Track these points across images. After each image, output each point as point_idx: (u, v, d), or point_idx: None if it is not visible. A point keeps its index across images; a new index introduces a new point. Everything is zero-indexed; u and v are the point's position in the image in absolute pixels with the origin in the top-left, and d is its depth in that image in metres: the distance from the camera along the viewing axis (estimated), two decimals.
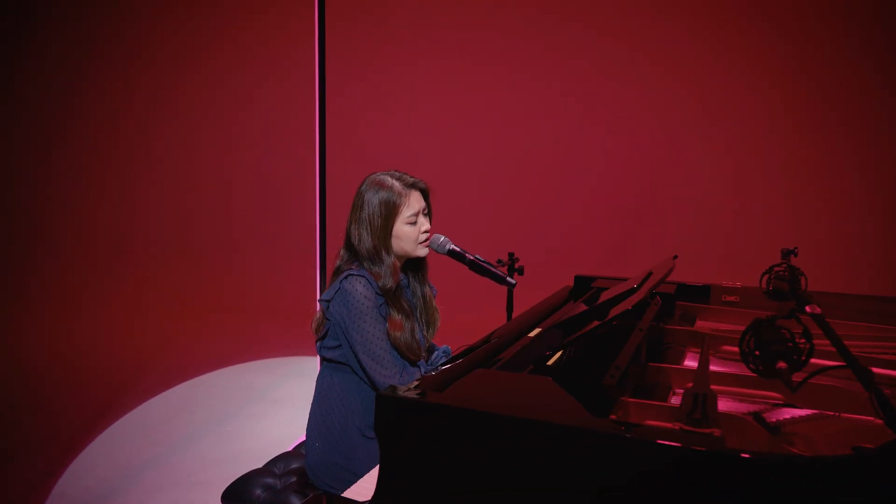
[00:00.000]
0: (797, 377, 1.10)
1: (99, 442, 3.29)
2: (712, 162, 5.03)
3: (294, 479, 1.93)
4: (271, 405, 3.82)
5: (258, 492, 1.86)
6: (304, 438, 3.24)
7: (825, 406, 1.30)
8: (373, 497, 1.05)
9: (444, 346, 2.16)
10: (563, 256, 5.13)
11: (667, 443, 0.86)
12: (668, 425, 1.11)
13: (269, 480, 1.92)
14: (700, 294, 2.19)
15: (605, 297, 1.62)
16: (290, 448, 3.13)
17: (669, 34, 5.02)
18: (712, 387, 1.37)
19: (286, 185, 6.05)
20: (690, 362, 1.62)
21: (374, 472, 1.68)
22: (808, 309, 1.10)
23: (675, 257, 1.92)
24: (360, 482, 1.37)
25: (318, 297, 3.38)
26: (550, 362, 1.32)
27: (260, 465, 2.99)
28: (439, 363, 1.94)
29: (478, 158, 5.52)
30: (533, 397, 1.09)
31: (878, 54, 4.53)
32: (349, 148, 5.48)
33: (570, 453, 0.91)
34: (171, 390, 4.06)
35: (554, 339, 1.49)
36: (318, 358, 4.72)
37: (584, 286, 2.35)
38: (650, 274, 1.68)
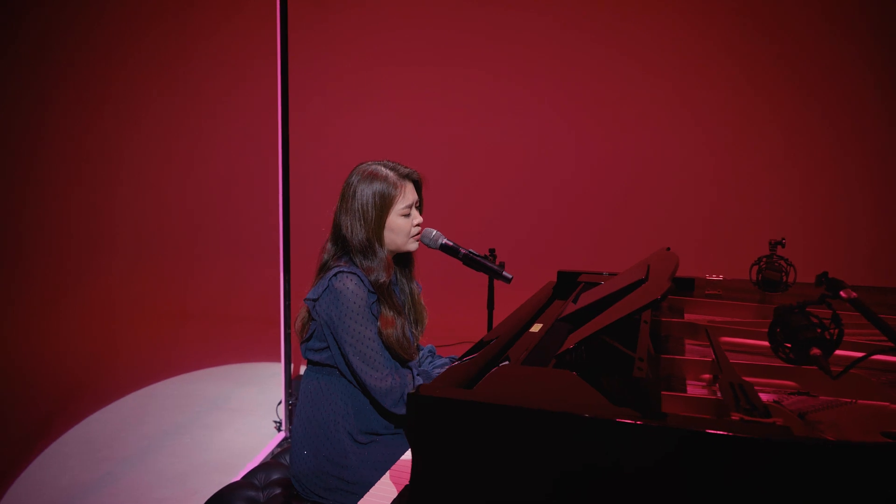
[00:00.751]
0: (834, 364, 1.09)
1: (39, 462, 3.05)
2: (689, 157, 5.18)
3: (278, 490, 1.81)
4: (231, 414, 3.64)
5: (244, 493, 1.73)
6: (273, 447, 3.11)
7: (840, 393, 1.30)
8: (407, 499, 0.96)
9: (429, 345, 2.08)
10: (541, 252, 5.14)
11: (752, 436, 0.81)
12: (703, 416, 1.07)
13: (251, 493, 1.79)
14: (684, 287, 2.20)
15: (608, 289, 1.59)
16: (258, 458, 2.99)
17: (650, 29, 5.12)
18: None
19: (248, 189, 6.02)
20: (692, 354, 1.60)
21: (377, 481, 1.59)
22: (843, 294, 1.09)
23: (668, 249, 1.91)
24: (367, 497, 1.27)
25: (282, 302, 3.23)
26: (568, 357, 1.27)
27: (226, 477, 2.84)
28: (435, 364, 1.87)
29: (451, 157, 5.52)
30: (568, 392, 1.03)
31: (860, 48, 4.75)
32: (313, 151, 5.45)
33: (634, 452, 0.86)
34: (118, 402, 3.82)
35: (563, 334, 1.44)
36: (277, 363, 4.55)
37: (567, 281, 2.32)
38: (648, 267, 1.65)
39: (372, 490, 1.20)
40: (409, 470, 1.32)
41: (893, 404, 1.25)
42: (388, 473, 1.28)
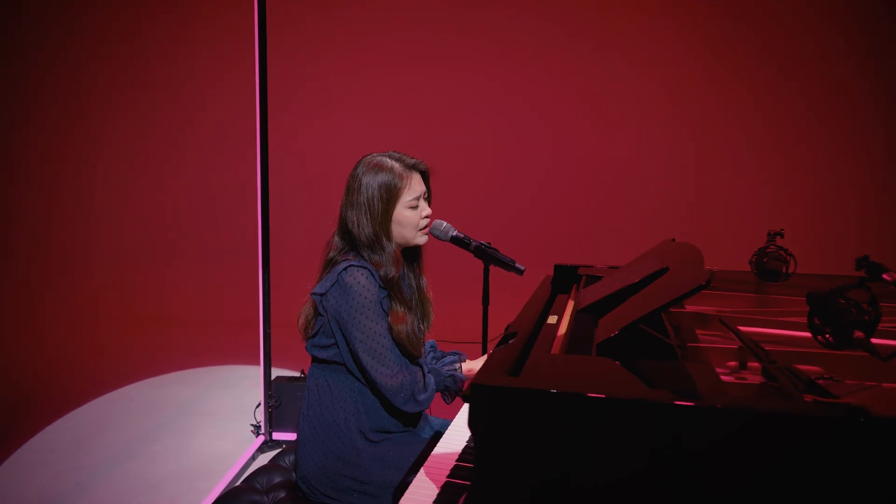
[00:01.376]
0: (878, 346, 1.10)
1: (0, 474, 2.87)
2: (676, 151, 5.30)
3: (283, 493, 1.74)
4: (203, 419, 3.51)
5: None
6: (253, 452, 3.00)
7: (863, 377, 1.33)
8: (470, 489, 0.93)
9: (430, 340, 2.04)
10: (529, 246, 5.16)
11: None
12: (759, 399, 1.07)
13: (255, 497, 1.72)
14: None
15: (624, 281, 1.58)
16: (239, 463, 2.88)
17: (639, 24, 5.22)
18: (754, 364, 1.36)
19: (225, 189, 5.91)
20: (706, 343, 1.61)
21: (392, 479, 1.54)
22: (886, 276, 1.11)
23: (673, 240, 1.92)
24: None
25: (260, 302, 3.12)
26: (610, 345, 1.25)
27: (207, 484, 2.73)
28: (445, 361, 1.83)
29: (435, 153, 5.49)
30: (622, 379, 1.02)
31: (848, 40, 4.93)
32: (291, 153, 5.41)
33: (708, 433, 0.85)
34: (78, 410, 3.63)
35: (590, 324, 1.43)
36: (248, 366, 4.42)
37: (565, 275, 2.32)
38: (665, 257, 1.66)
39: (410, 489, 1.15)
40: (443, 465, 1.28)
41: None
42: (422, 470, 1.24)
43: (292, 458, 1.97)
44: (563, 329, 1.61)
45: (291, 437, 3.12)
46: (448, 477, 1.22)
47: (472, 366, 1.89)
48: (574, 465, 0.89)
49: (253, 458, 3.01)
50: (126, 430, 3.32)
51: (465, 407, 1.66)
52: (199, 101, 5.72)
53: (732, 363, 1.43)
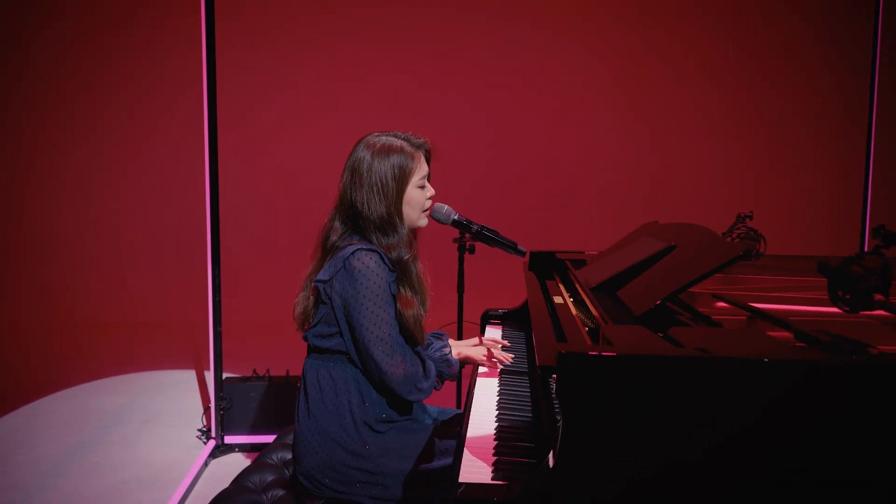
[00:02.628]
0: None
1: None
2: (631, 138, 5.50)
3: (282, 491, 1.65)
4: (140, 427, 3.27)
5: None
6: (205, 458, 2.83)
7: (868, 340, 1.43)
8: (556, 461, 0.91)
9: None
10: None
11: None
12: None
13: (254, 497, 1.62)
14: None
15: (630, 259, 1.63)
16: (193, 469, 2.71)
17: (605, 15, 5.37)
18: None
19: (158, 193, 5.77)
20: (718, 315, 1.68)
21: (402, 468, 1.51)
22: None
23: (657, 222, 1.99)
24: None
25: (210, 302, 2.95)
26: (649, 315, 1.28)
27: (159, 495, 2.55)
28: (435, 347, 1.80)
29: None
30: (699, 342, 1.04)
31: (809, 21, 5.26)
32: (241, 150, 5.27)
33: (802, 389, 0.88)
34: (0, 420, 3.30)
35: (614, 299, 1.46)
36: (182, 371, 4.17)
37: (541, 260, 2.35)
38: (665, 236, 1.72)
39: (463, 470, 1.13)
40: (483, 446, 1.26)
41: None
42: (466, 451, 1.21)
43: (281, 455, 1.88)
44: (572, 308, 1.63)
45: (244, 439, 2.98)
46: (495, 455, 1.21)
47: (461, 349, 1.86)
48: (664, 428, 0.90)
49: (205, 463, 2.84)
50: (56, 444, 3.04)
51: (483, 392, 1.64)
52: (144, 103, 5.65)
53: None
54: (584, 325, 1.45)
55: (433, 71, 5.52)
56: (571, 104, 5.55)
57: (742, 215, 2.10)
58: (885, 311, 1.16)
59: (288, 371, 3.14)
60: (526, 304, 2.38)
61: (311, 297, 1.66)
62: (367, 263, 1.55)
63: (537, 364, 1.12)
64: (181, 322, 5.34)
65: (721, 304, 1.57)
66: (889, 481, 0.91)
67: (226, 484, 2.59)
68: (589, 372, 0.90)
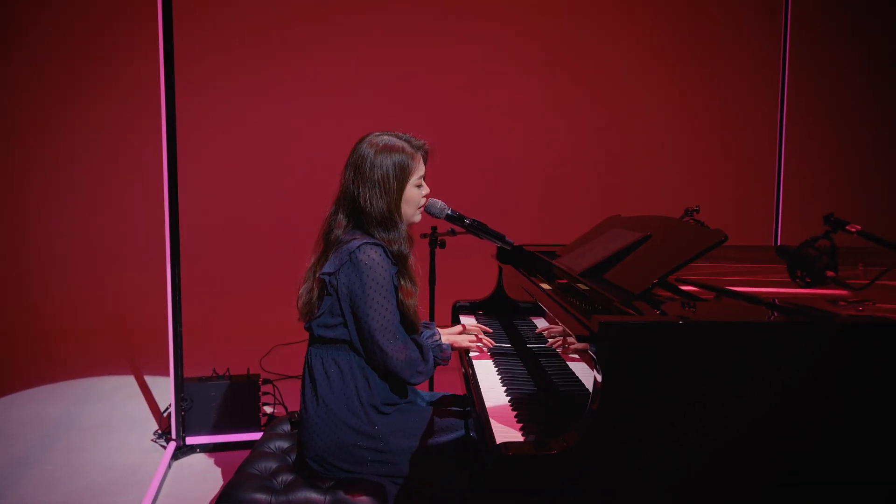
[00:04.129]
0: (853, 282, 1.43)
1: None
2: (592, 136, 5.77)
3: (291, 476, 1.71)
4: (88, 433, 3.16)
5: (261, 496, 1.61)
6: (168, 459, 2.79)
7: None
8: (575, 446, 1.06)
9: None
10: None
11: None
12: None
13: (267, 484, 1.67)
14: None
15: (610, 248, 1.81)
16: (160, 470, 2.67)
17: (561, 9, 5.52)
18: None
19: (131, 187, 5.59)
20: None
21: (409, 446, 1.62)
22: (849, 227, 1.44)
23: (619, 215, 2.20)
24: None
25: (169, 302, 2.90)
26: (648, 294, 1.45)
27: (124, 498, 2.49)
28: (425, 335, 1.92)
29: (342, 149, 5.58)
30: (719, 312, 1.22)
31: (752, 14, 5.66)
32: (200, 149, 5.23)
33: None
34: None
35: (605, 283, 1.63)
36: (121, 376, 4.04)
37: (511, 253, 2.51)
38: (605, 230, 1.92)
39: (497, 433, 1.26)
40: (503, 415, 1.40)
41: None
42: (492, 421, 1.34)
43: (277, 444, 1.93)
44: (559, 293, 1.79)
45: (206, 439, 2.95)
46: (519, 421, 1.35)
47: (448, 337, 1.99)
48: (688, 384, 1.07)
49: (168, 465, 2.80)
50: (3, 454, 2.90)
51: (482, 372, 1.78)
52: (99, 103, 5.53)
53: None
54: (576, 306, 1.61)
55: (387, 69, 5.60)
56: (520, 98, 5.79)
57: (689, 209, 2.34)
58: (836, 285, 1.40)
59: (248, 369, 3.14)
60: (494, 293, 2.54)
61: (316, 288, 1.73)
62: (373, 257, 1.64)
63: (576, 335, 1.26)
64: (111, 328, 5.14)
65: (689, 287, 1.78)
66: (866, 422, 1.12)
67: (193, 484, 2.60)
68: (629, 338, 1.06)
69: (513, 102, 5.76)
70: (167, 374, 4.08)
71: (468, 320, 2.35)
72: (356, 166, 1.72)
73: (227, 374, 3.06)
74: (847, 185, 6.14)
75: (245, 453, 2.90)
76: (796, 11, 3.51)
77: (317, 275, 1.73)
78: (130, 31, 5.28)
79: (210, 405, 2.99)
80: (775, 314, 1.34)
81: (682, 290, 1.63)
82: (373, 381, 1.74)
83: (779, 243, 3.48)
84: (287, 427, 2.04)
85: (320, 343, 1.76)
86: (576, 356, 1.61)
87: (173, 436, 2.93)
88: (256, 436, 2.99)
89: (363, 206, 1.70)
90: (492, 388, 1.63)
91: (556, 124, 5.86)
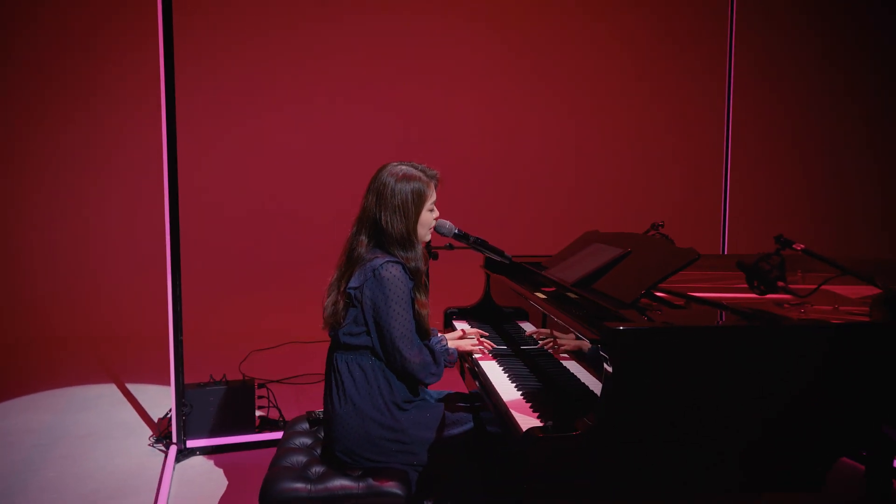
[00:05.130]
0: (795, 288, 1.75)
1: None
2: (561, 151, 6.04)
3: (322, 468, 1.92)
4: (83, 441, 3.25)
5: (300, 485, 1.82)
6: (172, 463, 2.92)
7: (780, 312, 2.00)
8: (595, 426, 1.34)
9: None
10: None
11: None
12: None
13: (301, 474, 1.88)
14: None
15: (593, 263, 2.10)
16: (167, 474, 2.81)
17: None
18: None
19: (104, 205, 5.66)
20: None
21: (428, 437, 1.87)
22: (795, 246, 1.76)
23: (596, 230, 2.49)
24: None
25: (170, 311, 3.03)
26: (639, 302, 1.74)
27: (140, 501, 2.63)
28: (433, 341, 2.15)
29: (324, 159, 5.74)
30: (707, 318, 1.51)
31: (712, 33, 5.98)
32: (200, 158, 5.36)
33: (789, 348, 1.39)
34: None
35: (595, 294, 1.91)
36: (102, 385, 4.11)
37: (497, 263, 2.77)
38: (585, 245, 2.21)
39: (519, 420, 1.52)
40: (520, 407, 1.66)
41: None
42: (512, 412, 1.60)
43: (301, 440, 2.13)
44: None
45: (204, 442, 3.10)
46: (533, 411, 1.61)
47: (455, 342, 2.23)
48: (688, 377, 1.36)
49: (173, 468, 2.94)
50: None
51: (490, 371, 2.03)
52: (102, 113, 5.60)
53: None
54: (578, 314, 1.89)
55: (362, 74, 5.79)
56: (495, 104, 6.09)
57: (655, 224, 2.67)
58: (785, 293, 1.72)
59: (244, 374, 3.30)
60: (482, 300, 2.80)
61: (341, 301, 1.94)
62: (395, 273, 1.88)
63: (588, 336, 1.53)
64: (86, 335, 5.17)
65: (661, 294, 2.09)
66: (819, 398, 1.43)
67: (199, 484, 2.77)
68: (640, 343, 1.34)
69: (484, 105, 6.05)
70: (150, 382, 4.19)
71: (461, 325, 2.60)
72: (378, 192, 1.95)
73: (224, 379, 3.21)
74: (786, 196, 6.70)
75: (242, 454, 3.11)
76: (741, 33, 3.90)
77: (342, 289, 1.94)
78: (128, 32, 5.36)
79: (208, 410, 3.14)
80: (739, 317, 1.64)
81: (658, 297, 1.93)
82: (393, 381, 1.96)
83: (725, 249, 3.87)
84: (305, 425, 2.24)
85: (345, 349, 1.97)
86: (566, 355, 1.89)
87: (174, 439, 3.06)
88: (252, 437, 3.16)
89: (385, 228, 1.93)
90: (502, 385, 1.88)
91: (523, 131, 6.18)
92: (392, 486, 1.83)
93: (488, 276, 2.76)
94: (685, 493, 1.39)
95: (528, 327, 2.31)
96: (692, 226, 6.04)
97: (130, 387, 4.12)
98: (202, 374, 3.27)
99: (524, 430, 1.45)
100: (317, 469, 1.92)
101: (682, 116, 6.48)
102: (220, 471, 2.94)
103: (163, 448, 3.14)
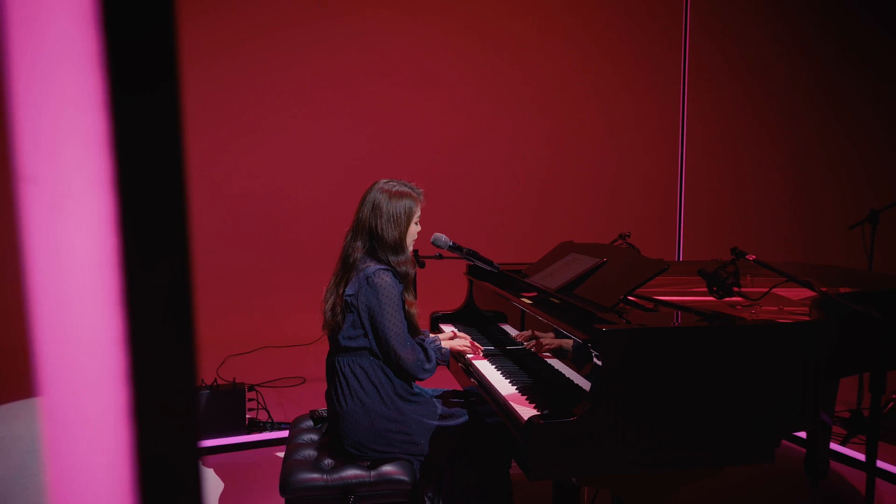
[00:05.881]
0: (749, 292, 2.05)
1: None
2: (528, 160, 6.26)
3: (333, 461, 2.11)
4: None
5: (316, 475, 2.01)
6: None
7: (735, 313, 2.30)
8: (589, 411, 1.58)
9: None
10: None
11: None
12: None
13: (316, 464, 2.06)
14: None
15: (572, 272, 2.35)
16: None
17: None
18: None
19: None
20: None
21: (430, 426, 2.08)
22: (748, 257, 2.05)
23: (571, 241, 2.76)
24: None
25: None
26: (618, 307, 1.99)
27: None
28: (428, 341, 2.37)
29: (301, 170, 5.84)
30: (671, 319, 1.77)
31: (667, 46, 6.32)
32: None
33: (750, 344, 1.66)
34: None
35: (575, 299, 2.16)
36: (33, 399, 4.17)
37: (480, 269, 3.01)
38: (560, 255, 2.47)
39: (518, 410, 1.75)
40: (517, 399, 1.89)
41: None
42: (510, 403, 1.83)
43: (308, 436, 2.31)
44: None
45: None
46: (528, 402, 1.85)
47: (447, 343, 2.46)
48: (674, 381, 1.62)
49: None
50: None
51: (484, 369, 2.26)
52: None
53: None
54: (568, 317, 2.14)
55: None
56: (462, 109, 6.33)
57: (622, 234, 2.95)
58: (740, 297, 2.01)
59: (234, 378, 3.44)
60: (466, 304, 3.03)
61: (339, 306, 2.15)
62: (386, 280, 2.10)
63: (579, 337, 1.77)
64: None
65: (631, 297, 2.35)
66: (763, 394, 1.71)
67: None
68: (626, 342, 1.59)
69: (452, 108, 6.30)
70: None
71: (447, 328, 2.83)
72: (373, 204, 2.16)
73: (215, 383, 3.35)
74: (737, 206, 7.16)
75: (234, 454, 3.24)
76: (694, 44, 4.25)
77: (339, 294, 2.15)
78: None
79: (198, 413, 3.26)
80: (701, 318, 1.92)
81: (631, 301, 2.20)
82: (392, 377, 2.18)
83: (680, 256, 4.21)
84: (309, 423, 2.42)
85: (345, 351, 2.17)
86: (548, 354, 2.14)
87: None
88: (243, 438, 3.31)
89: (380, 235, 2.15)
90: (498, 381, 2.11)
91: (483, 135, 6.45)
92: (400, 474, 2.03)
93: (471, 283, 2.99)
94: (664, 466, 1.65)
95: (508, 329, 2.55)
96: (650, 234, 6.45)
97: None
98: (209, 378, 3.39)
99: (526, 419, 1.68)
100: (328, 461, 2.11)
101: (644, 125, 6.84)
102: (214, 472, 3.07)
103: None
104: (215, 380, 3.38)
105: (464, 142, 6.35)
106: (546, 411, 1.75)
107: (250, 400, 3.44)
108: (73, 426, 0.54)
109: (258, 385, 4.15)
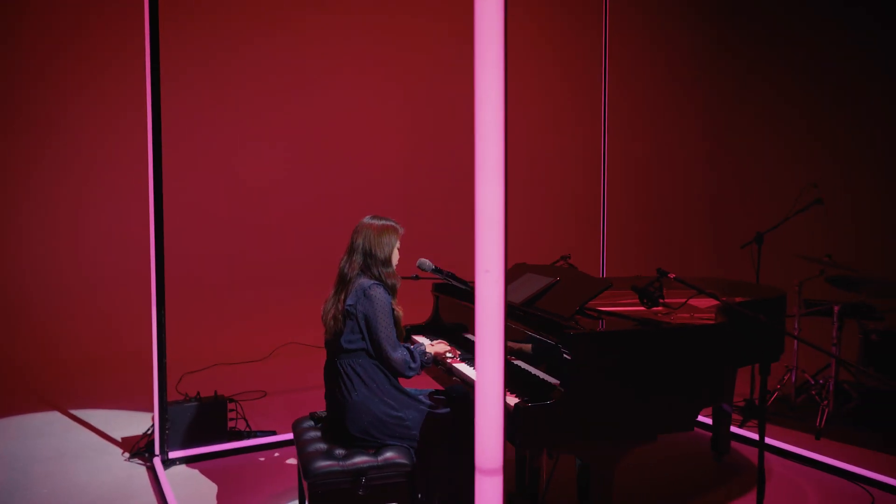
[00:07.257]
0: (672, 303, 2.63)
1: None
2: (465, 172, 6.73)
3: (343, 450, 2.51)
4: (56, 462, 3.49)
5: (331, 462, 2.40)
6: (163, 471, 3.29)
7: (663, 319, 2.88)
8: (564, 395, 2.09)
9: None
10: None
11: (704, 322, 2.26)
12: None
13: (330, 453, 2.45)
14: None
15: (532, 288, 2.87)
16: (164, 479, 3.17)
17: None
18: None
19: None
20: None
21: (422, 418, 2.53)
22: (670, 275, 2.64)
23: (525, 263, 3.28)
24: None
25: (154, 335, 3.41)
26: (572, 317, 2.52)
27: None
28: (407, 345, 2.81)
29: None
30: (626, 324, 2.32)
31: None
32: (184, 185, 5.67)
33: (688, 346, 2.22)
34: None
35: (539, 311, 2.68)
36: (46, 413, 4.35)
37: (445, 286, 3.48)
38: (546, 273, 3.00)
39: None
40: None
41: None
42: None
43: (313, 434, 2.69)
44: None
45: (182, 453, 3.48)
46: (510, 393, 2.34)
47: (430, 347, 2.91)
48: (624, 370, 2.15)
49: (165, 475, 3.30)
50: None
51: (464, 371, 2.73)
52: (84, 133, 5.87)
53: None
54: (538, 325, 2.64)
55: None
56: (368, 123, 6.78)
57: (564, 256, 3.52)
58: (664, 306, 2.59)
59: (216, 391, 3.72)
60: (433, 317, 3.50)
61: (340, 315, 2.57)
62: (379, 293, 2.55)
63: (551, 340, 2.27)
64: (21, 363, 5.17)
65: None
66: (692, 387, 2.28)
67: (193, 486, 3.22)
68: (589, 342, 2.11)
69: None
70: (95, 407, 4.41)
71: (419, 338, 3.28)
72: (366, 233, 2.62)
73: (198, 396, 3.62)
74: (657, 228, 8.02)
75: (220, 461, 3.53)
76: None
77: (340, 304, 2.57)
78: (112, 37, 5.72)
79: (183, 424, 3.53)
80: (636, 324, 2.48)
81: (581, 311, 2.74)
82: (388, 374, 2.61)
83: (604, 273, 4.84)
84: (311, 423, 2.79)
85: (346, 354, 2.59)
86: (511, 356, 2.65)
87: (157, 451, 3.43)
88: (226, 446, 3.60)
89: (374, 253, 2.60)
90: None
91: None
92: (401, 459, 2.46)
93: (437, 298, 3.46)
94: (617, 436, 2.18)
95: (470, 337, 3.04)
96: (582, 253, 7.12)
97: (77, 412, 4.31)
98: (143, 399, 3.62)
99: (513, 404, 2.16)
100: (338, 451, 2.50)
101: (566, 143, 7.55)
102: (206, 476, 3.35)
103: (141, 461, 3.48)
104: (198, 392, 3.65)
105: (400, 162, 6.84)
106: (526, 398, 2.25)
107: (230, 410, 3.72)
108: None
109: (230, 398, 4.40)
